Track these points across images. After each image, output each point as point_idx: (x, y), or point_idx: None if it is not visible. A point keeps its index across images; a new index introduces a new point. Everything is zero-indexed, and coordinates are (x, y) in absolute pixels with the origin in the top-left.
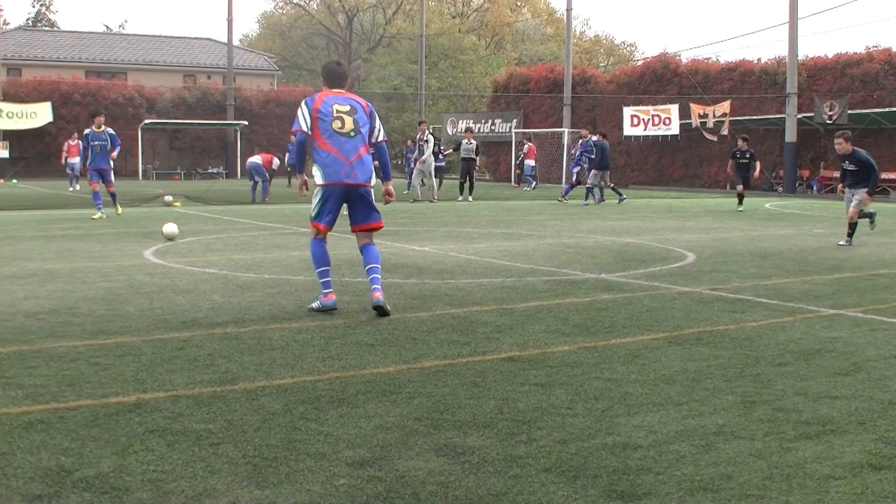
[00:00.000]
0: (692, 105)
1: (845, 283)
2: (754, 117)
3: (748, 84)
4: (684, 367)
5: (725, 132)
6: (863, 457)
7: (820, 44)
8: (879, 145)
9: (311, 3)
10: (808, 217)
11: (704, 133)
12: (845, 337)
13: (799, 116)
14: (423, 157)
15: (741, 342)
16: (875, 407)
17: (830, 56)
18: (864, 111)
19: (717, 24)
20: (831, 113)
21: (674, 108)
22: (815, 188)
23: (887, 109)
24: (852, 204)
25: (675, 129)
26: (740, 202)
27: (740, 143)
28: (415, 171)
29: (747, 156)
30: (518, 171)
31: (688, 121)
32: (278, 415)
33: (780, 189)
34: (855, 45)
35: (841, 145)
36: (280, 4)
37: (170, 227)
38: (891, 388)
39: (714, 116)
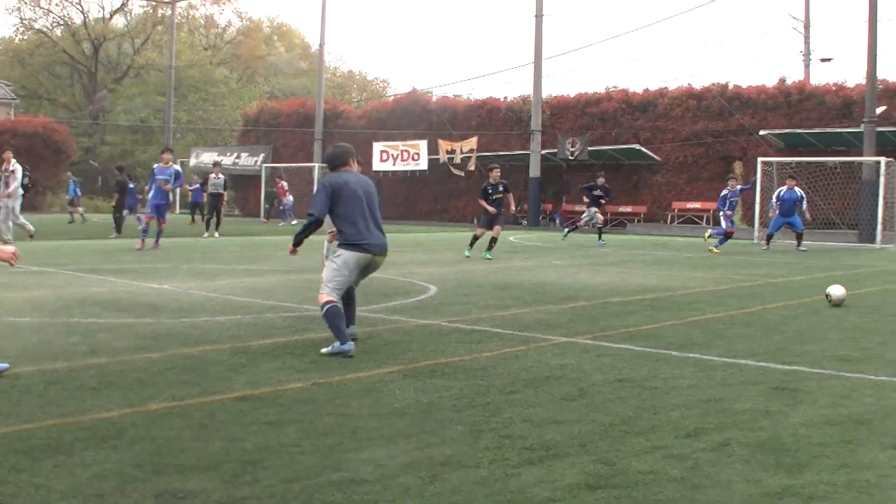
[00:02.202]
0: (440, 141)
1: (579, 312)
2: (500, 153)
3: (495, 121)
4: (417, 399)
5: (472, 167)
6: (581, 478)
7: (563, 83)
8: (617, 180)
9: (55, 29)
10: (550, 249)
11: (452, 168)
12: (574, 363)
13: (543, 152)
14: (9, 191)
15: (474, 372)
16: (597, 429)
17: (573, 95)
18: (603, 147)
19: (467, 62)
20: (573, 149)
21: (423, 144)
22: (557, 221)
23: (624, 146)
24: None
25: (423, 164)
26: (472, 245)
27: (493, 175)
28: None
29: (500, 189)
30: (267, 205)
31: (436, 156)
32: None
33: (525, 222)
34: (595, 86)
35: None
36: (21, 30)
37: None
38: (613, 410)
39: (461, 152)
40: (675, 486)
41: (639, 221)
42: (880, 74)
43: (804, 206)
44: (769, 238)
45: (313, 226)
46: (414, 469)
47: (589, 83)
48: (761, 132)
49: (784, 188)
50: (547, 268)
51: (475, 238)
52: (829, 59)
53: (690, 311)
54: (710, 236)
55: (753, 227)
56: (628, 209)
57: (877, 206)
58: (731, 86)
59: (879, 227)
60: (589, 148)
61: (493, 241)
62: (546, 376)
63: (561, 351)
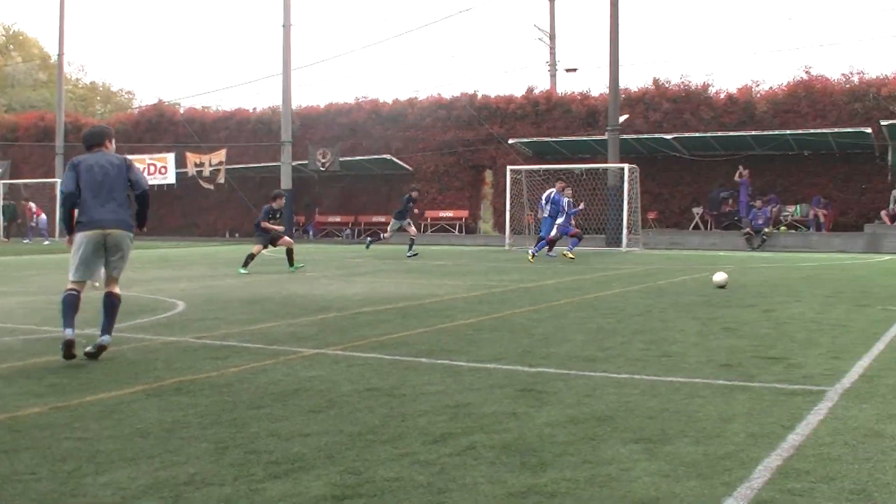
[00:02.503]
0: (188, 154)
1: (329, 323)
2: (251, 165)
3: (244, 132)
4: (161, 418)
5: (222, 180)
6: (328, 489)
7: (313, 93)
8: (369, 191)
9: None
10: (303, 261)
11: (201, 182)
12: (323, 375)
13: (294, 164)
14: None
15: (221, 388)
16: (344, 440)
17: (323, 106)
18: (354, 158)
19: (215, 73)
20: (324, 160)
21: (170, 157)
22: (311, 233)
23: (376, 157)
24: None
25: (171, 178)
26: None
27: (278, 202)
28: None
29: (279, 214)
30: (6, 223)
31: (184, 170)
32: None
33: None
34: (345, 96)
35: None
36: None
37: None
38: (361, 420)
39: (210, 165)
40: (421, 492)
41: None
42: (623, 84)
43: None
44: (552, 244)
45: (67, 201)
46: (156, 490)
47: (339, 93)
48: (510, 141)
49: (553, 190)
50: (299, 280)
51: (251, 256)
52: (574, 70)
53: (440, 318)
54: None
55: (505, 234)
56: (381, 219)
57: (622, 211)
58: (479, 95)
59: (625, 231)
60: (340, 159)
61: (291, 252)
62: (295, 389)
63: (310, 363)
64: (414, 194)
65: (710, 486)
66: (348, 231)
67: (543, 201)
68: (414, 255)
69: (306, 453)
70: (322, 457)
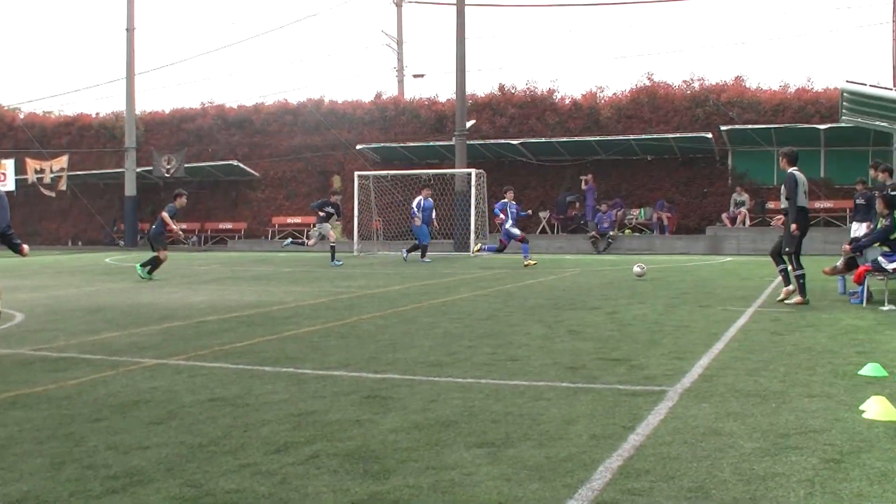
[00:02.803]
0: (28, 160)
1: (173, 332)
2: (94, 171)
3: (87, 138)
4: None
5: (64, 187)
6: (167, 503)
7: (158, 99)
8: (216, 197)
9: None
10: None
11: (42, 189)
12: (165, 385)
13: (138, 170)
14: None
15: (59, 401)
16: (185, 452)
17: (168, 111)
18: (200, 164)
19: (57, 77)
20: (169, 167)
21: (9, 163)
22: None
23: (222, 163)
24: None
25: (10, 185)
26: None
27: (179, 201)
28: None
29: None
30: None
31: (24, 176)
32: None
33: (122, 243)
34: (191, 101)
35: None
36: None
37: None
38: (202, 431)
39: (51, 171)
40: (263, 503)
41: (239, 238)
42: (470, 90)
43: (433, 215)
44: (424, 250)
45: None
46: None
47: (184, 99)
48: (358, 146)
49: (421, 197)
50: (143, 288)
51: (160, 262)
52: (421, 75)
53: (287, 326)
54: (479, 249)
55: (353, 239)
56: (228, 226)
57: (469, 215)
58: (326, 101)
59: (472, 235)
60: (186, 165)
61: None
62: (135, 400)
63: (152, 373)
64: (334, 199)
65: (552, 488)
66: (195, 238)
67: (415, 209)
68: (339, 263)
69: (146, 466)
70: (162, 470)
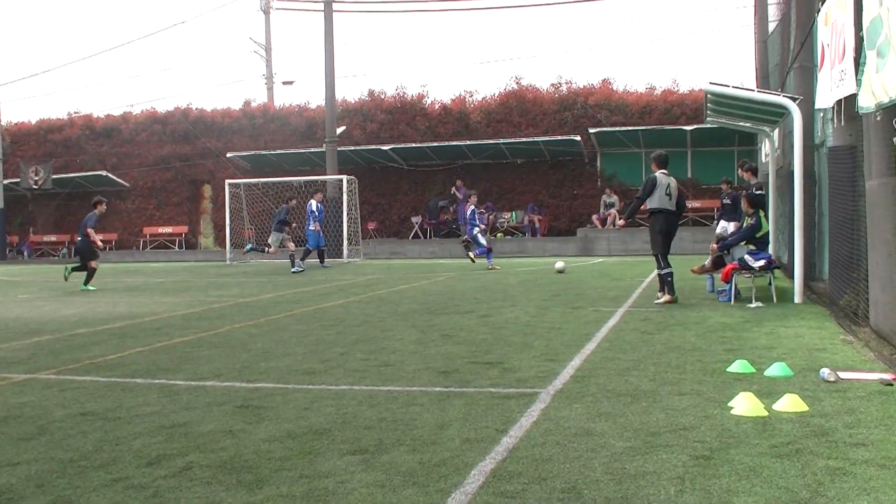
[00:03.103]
0: None
1: (43, 346)
2: None
3: None
4: None
5: None
6: None
7: (24, 109)
8: (85, 208)
9: None
10: (16, 283)
11: None
12: (35, 401)
13: (6, 182)
14: None
15: None
16: (56, 468)
17: (34, 122)
18: (68, 175)
19: None
20: (37, 178)
21: None
22: (26, 253)
23: (90, 173)
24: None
25: None
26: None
27: (99, 209)
28: None
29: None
30: None
31: None
32: None
33: None
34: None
35: None
36: None
37: None
38: (73, 446)
39: None
40: None
41: (110, 249)
42: (340, 96)
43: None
44: (322, 254)
45: None
46: None
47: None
48: (228, 154)
49: (315, 201)
50: (11, 302)
51: (94, 271)
52: (291, 83)
53: (158, 337)
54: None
55: (226, 248)
56: (99, 237)
57: (342, 222)
58: (195, 109)
59: (345, 242)
60: (53, 176)
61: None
62: (4, 416)
63: (21, 389)
64: (292, 203)
65: (425, 493)
66: (65, 250)
67: (317, 213)
68: (300, 270)
69: (15, 483)
70: (32, 486)
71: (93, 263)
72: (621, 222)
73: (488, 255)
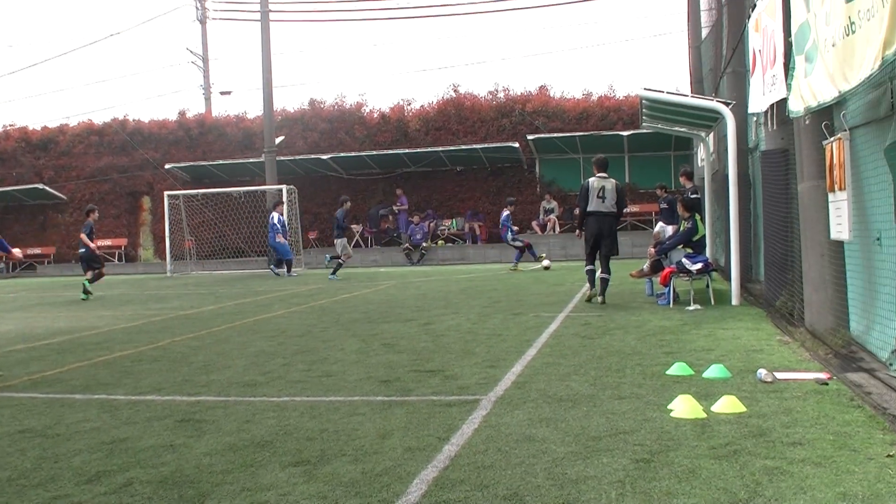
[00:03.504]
0: None
1: None
2: None
3: None
4: None
5: None
6: None
7: None
8: (22, 221)
9: None
10: None
11: None
12: None
13: None
14: None
15: None
16: None
17: None
18: (5, 189)
19: None
20: None
21: None
22: None
23: (27, 186)
24: None
25: None
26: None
27: (92, 217)
28: None
29: None
30: None
31: None
32: None
33: None
34: None
35: None
36: None
37: None
38: (11, 464)
39: None
40: None
41: (49, 263)
42: (280, 105)
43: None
44: (290, 264)
45: None
46: None
47: None
48: (167, 166)
49: (276, 213)
50: None
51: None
52: (228, 93)
53: (98, 351)
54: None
55: (166, 260)
56: (37, 251)
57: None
58: (132, 120)
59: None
60: None
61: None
62: None
63: None
64: (347, 205)
65: (368, 503)
66: (2, 265)
67: (278, 225)
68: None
69: None
70: None
71: (102, 270)
72: (578, 233)
73: (520, 256)
